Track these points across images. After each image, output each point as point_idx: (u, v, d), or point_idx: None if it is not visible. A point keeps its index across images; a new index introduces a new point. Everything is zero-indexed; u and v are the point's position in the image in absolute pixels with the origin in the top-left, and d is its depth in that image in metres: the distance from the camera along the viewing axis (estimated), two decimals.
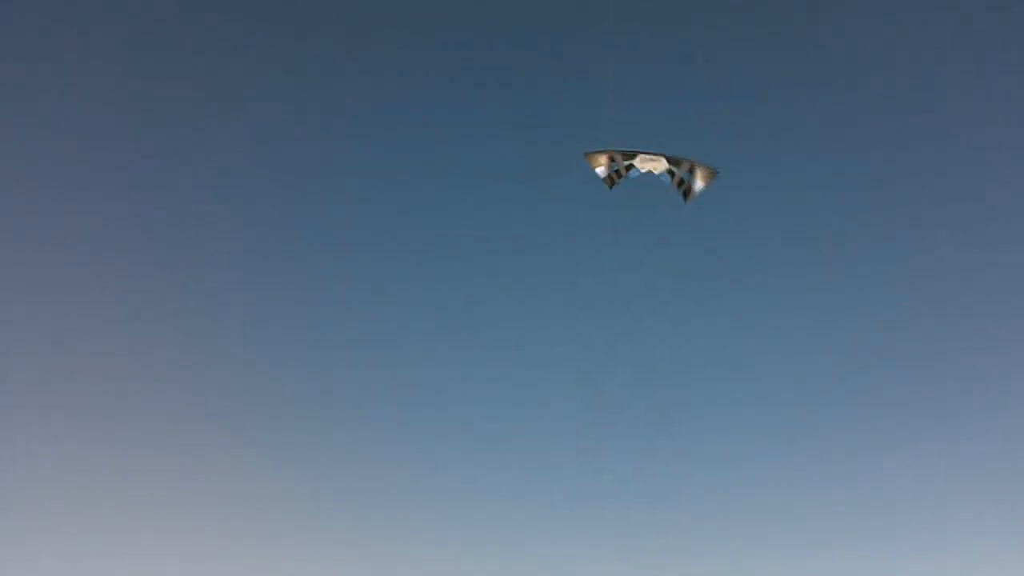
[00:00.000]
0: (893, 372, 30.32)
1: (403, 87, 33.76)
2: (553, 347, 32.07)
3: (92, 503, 28.07)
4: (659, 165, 18.19)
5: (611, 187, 18.56)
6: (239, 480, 29.52)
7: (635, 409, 31.08)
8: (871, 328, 31.04)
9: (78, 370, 30.19)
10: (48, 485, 27.95)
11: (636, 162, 18.24)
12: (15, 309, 30.23)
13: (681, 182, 18.17)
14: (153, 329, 31.32)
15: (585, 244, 31.78)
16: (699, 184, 18.01)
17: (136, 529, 27.83)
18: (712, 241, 31.97)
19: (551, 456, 30.72)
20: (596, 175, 18.64)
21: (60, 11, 32.37)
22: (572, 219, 31.73)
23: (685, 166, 18.01)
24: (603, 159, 18.41)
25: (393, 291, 33.44)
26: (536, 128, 33.76)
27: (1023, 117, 31.07)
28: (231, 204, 32.93)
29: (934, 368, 30.30)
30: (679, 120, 31.13)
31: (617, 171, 18.45)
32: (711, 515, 29.24)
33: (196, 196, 32.68)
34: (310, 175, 33.51)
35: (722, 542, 28.64)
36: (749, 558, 28.12)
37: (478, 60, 34.13)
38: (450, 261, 33.46)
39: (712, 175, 17.96)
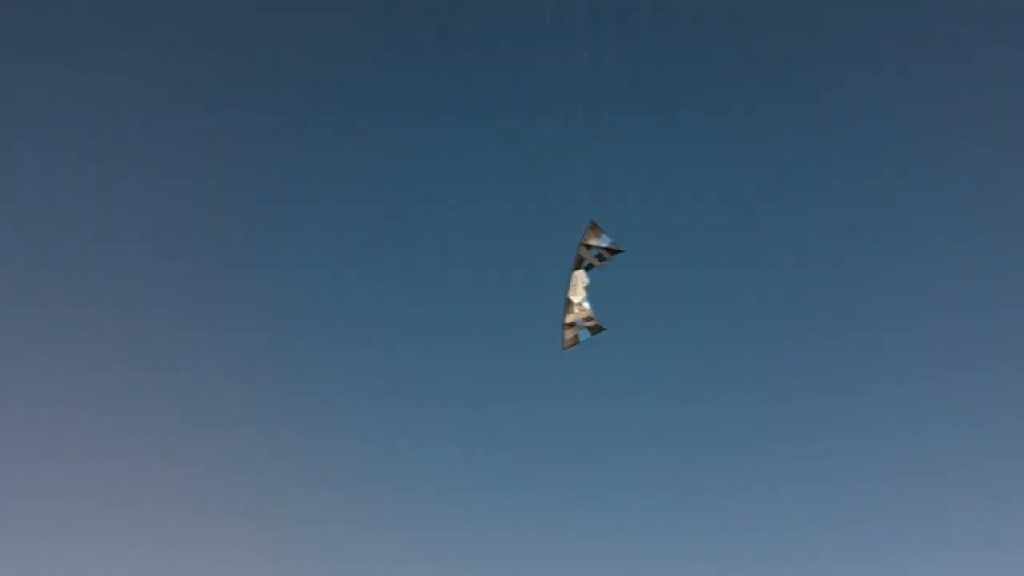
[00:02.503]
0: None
1: None
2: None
3: (90, 503, 28.23)
4: (581, 310, 18.44)
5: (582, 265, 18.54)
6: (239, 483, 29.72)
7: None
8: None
9: (78, 370, 30.36)
10: (48, 485, 28.11)
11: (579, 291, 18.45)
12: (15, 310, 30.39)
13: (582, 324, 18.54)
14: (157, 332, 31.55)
15: None
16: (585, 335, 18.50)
17: (136, 528, 28.01)
18: None
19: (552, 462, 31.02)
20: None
21: None
22: None
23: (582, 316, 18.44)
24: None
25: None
26: None
27: None
28: None
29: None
30: None
31: (599, 255, 18.45)
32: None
33: None
34: None
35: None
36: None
37: None
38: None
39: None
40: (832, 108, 35.11)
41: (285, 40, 35.21)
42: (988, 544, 28.30)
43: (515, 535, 29.78)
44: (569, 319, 18.18)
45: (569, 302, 18.19)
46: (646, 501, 30.61)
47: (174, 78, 34.20)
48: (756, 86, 35.74)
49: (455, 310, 34.25)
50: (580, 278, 18.28)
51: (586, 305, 18.28)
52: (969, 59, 34.29)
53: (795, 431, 31.74)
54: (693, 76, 36.12)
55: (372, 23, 35.11)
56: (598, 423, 32.06)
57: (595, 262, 18.28)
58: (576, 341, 18.28)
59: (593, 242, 18.24)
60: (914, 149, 34.61)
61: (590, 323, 18.21)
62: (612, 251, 18.23)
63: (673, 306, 34.48)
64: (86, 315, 31.49)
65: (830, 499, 30.16)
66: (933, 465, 30.13)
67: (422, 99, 35.26)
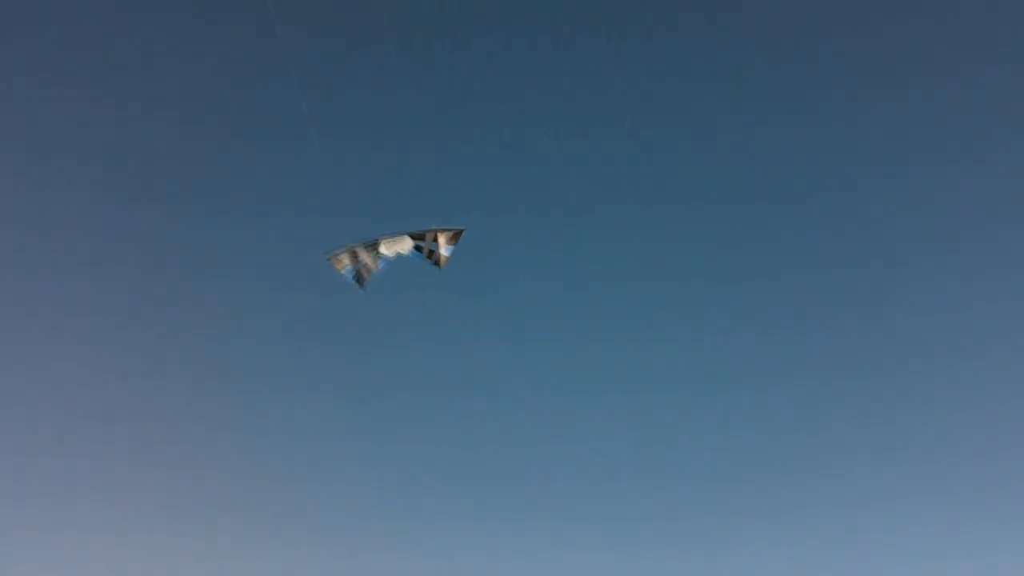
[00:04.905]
0: None
1: None
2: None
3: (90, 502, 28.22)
4: (404, 245, 17.84)
5: (362, 286, 17.83)
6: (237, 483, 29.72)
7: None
8: None
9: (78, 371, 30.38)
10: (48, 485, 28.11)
11: (382, 249, 17.74)
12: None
13: (431, 253, 17.87)
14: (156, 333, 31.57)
15: None
16: (447, 248, 17.82)
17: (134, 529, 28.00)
18: None
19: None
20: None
21: None
22: None
23: (429, 237, 17.77)
24: (346, 259, 17.73)
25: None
26: None
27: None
28: None
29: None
30: None
31: (365, 266, 17.76)
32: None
33: None
34: None
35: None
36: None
37: None
38: None
39: (457, 235, 17.78)
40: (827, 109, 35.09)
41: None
42: (987, 544, 28.27)
43: (508, 534, 29.78)
44: (363, 255, 17.51)
45: (376, 243, 17.52)
46: (643, 497, 30.61)
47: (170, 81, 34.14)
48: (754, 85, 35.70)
49: (445, 310, 34.19)
50: (405, 243, 17.70)
51: (379, 255, 17.56)
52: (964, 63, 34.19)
53: (793, 425, 31.75)
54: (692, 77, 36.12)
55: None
56: (592, 420, 32.13)
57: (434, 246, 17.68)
58: (347, 268, 17.57)
59: (425, 242, 17.68)
60: (910, 149, 34.57)
61: (365, 269, 17.54)
62: (456, 235, 17.61)
63: (665, 304, 34.49)
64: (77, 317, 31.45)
65: (830, 494, 30.14)
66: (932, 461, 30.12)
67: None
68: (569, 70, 34.93)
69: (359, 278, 17.88)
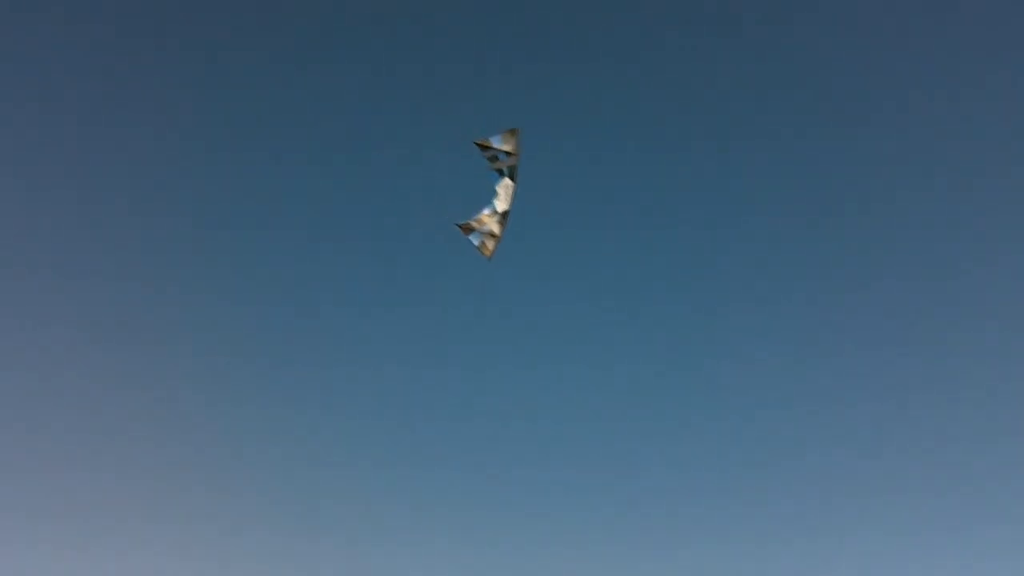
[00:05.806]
0: None
1: None
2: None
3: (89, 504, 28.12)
4: (503, 203, 17.00)
5: (478, 146, 16.68)
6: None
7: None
8: None
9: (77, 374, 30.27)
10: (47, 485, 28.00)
11: (504, 182, 16.98)
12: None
13: (481, 225, 17.16)
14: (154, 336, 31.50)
15: None
16: (478, 240, 17.15)
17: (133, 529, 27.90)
18: None
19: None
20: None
21: None
22: None
23: (497, 226, 17.11)
24: (515, 143, 16.65)
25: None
26: None
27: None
28: None
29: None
30: None
31: (496, 156, 16.74)
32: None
33: None
34: None
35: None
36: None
37: None
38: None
39: (485, 254, 17.17)
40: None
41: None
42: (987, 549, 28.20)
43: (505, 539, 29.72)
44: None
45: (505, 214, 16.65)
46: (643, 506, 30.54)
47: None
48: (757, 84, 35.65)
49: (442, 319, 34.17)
50: (506, 197, 16.80)
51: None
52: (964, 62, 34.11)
53: (797, 436, 31.69)
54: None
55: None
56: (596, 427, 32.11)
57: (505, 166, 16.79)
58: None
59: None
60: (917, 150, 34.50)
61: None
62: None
63: (675, 318, 34.47)
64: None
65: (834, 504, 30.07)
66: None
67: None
68: (576, 78, 34.99)
69: (486, 148, 16.81)
